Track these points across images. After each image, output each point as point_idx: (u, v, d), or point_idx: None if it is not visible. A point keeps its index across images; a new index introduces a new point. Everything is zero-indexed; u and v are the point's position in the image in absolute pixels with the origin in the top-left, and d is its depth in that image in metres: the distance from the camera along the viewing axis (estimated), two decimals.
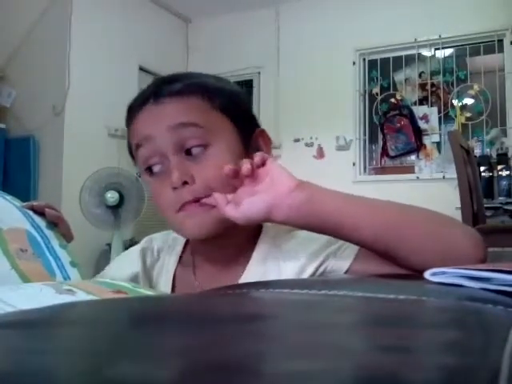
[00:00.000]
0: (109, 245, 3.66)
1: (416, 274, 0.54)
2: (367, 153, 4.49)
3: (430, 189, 3.99)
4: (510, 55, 4.03)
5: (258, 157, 0.63)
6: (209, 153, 0.69)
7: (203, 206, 0.68)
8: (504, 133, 4.00)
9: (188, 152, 0.69)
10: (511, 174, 3.66)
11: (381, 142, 4.45)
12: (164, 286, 0.78)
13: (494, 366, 0.22)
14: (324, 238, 0.68)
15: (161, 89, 0.72)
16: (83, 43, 3.95)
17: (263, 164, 0.63)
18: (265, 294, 0.44)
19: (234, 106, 0.74)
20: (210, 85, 0.74)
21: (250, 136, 0.75)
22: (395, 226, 0.61)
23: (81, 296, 0.49)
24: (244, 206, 0.62)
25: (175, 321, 0.32)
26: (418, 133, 4.26)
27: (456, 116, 4.18)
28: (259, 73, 4.74)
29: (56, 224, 0.76)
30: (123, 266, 0.83)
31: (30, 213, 0.75)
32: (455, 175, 2.42)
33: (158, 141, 0.69)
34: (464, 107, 4.22)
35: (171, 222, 0.72)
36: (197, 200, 0.68)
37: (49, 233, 0.74)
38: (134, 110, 0.73)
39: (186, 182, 0.68)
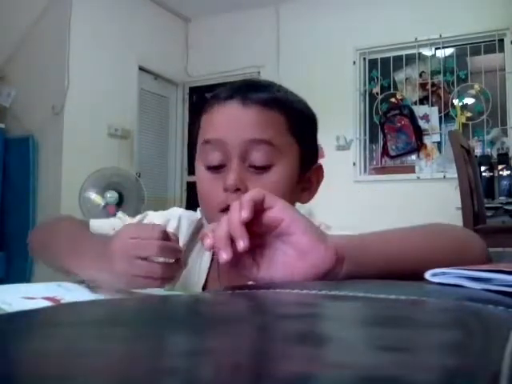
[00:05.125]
0: None
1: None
2: (367, 152, 4.49)
3: (431, 189, 4.00)
4: (510, 55, 4.04)
5: (255, 193, 0.51)
6: (270, 171, 0.72)
7: None
8: (505, 132, 4.00)
9: (251, 163, 0.72)
10: None
11: (381, 142, 4.46)
12: (196, 286, 0.80)
13: (494, 366, 0.22)
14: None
15: (249, 91, 0.74)
16: (83, 43, 3.95)
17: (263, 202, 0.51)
18: (265, 293, 0.44)
19: (307, 133, 0.77)
20: (293, 105, 0.76)
21: (308, 166, 0.78)
22: (426, 254, 0.58)
23: None
24: (267, 272, 0.52)
25: (176, 321, 0.32)
26: (419, 132, 4.26)
27: (456, 116, 4.18)
28: (259, 72, 4.74)
29: None
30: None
31: None
32: (456, 175, 2.42)
33: (229, 146, 0.71)
34: (464, 107, 4.22)
35: (210, 219, 0.75)
36: None
37: None
38: (219, 98, 0.75)
39: (238, 189, 0.70)
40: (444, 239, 0.62)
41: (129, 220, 0.86)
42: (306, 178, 0.78)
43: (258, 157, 0.71)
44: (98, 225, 0.87)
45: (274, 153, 0.72)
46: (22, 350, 0.25)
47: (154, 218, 0.87)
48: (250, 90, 0.74)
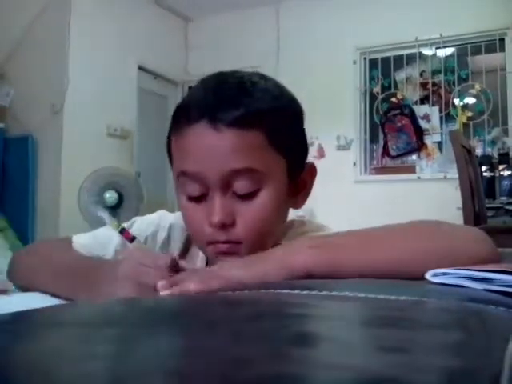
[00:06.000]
0: None
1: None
2: (368, 152, 4.49)
3: (431, 189, 3.99)
4: (511, 54, 4.03)
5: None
6: (257, 197, 0.67)
7: (232, 254, 0.67)
8: (505, 132, 4.00)
9: (235, 192, 0.67)
10: None
11: (381, 142, 4.45)
12: None
13: (495, 367, 0.22)
14: None
15: (220, 107, 0.65)
16: (82, 42, 3.94)
17: None
18: (265, 294, 0.43)
19: (292, 138, 0.70)
20: (273, 112, 0.67)
21: (299, 168, 0.72)
22: (407, 256, 0.55)
23: None
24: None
25: (174, 322, 0.32)
26: (419, 132, 4.26)
27: (457, 115, 4.18)
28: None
29: None
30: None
31: None
32: (457, 175, 2.42)
33: (207, 178, 0.65)
34: (465, 106, 4.22)
35: (198, 246, 0.72)
36: (229, 242, 0.67)
37: None
38: (186, 117, 0.67)
39: (225, 224, 0.66)
40: (433, 240, 0.58)
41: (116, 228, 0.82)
42: (298, 180, 0.73)
43: (241, 186, 0.65)
44: (84, 243, 0.82)
45: (259, 177, 0.65)
46: (18, 350, 0.25)
47: (142, 225, 0.83)
48: (221, 105, 0.65)
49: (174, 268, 0.60)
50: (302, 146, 0.74)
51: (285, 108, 0.71)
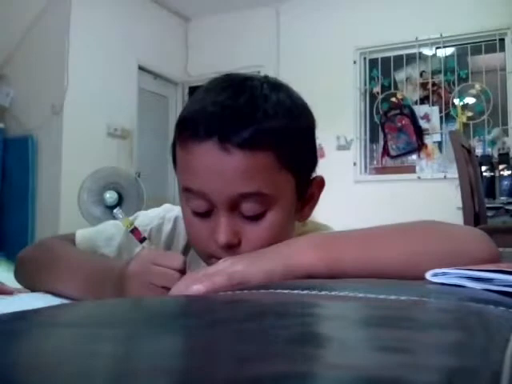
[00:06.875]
0: None
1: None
2: (368, 152, 4.49)
3: (431, 189, 3.99)
4: (511, 54, 4.04)
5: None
6: (265, 218, 0.65)
7: None
8: (505, 132, 4.00)
9: (242, 213, 0.65)
10: None
11: (382, 142, 4.46)
12: None
13: (495, 367, 0.22)
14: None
15: (229, 126, 0.61)
16: (82, 42, 3.95)
17: None
18: (265, 294, 0.43)
19: (302, 158, 0.67)
20: (284, 134, 0.63)
21: (307, 183, 0.70)
22: (409, 256, 0.55)
23: None
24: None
25: (174, 322, 0.32)
26: (419, 132, 4.26)
27: (457, 115, 4.18)
28: (259, 72, 4.73)
29: None
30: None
31: None
32: (456, 175, 2.42)
33: (213, 199, 0.63)
34: (465, 106, 4.22)
35: (201, 258, 0.70)
36: None
37: None
38: (193, 132, 0.63)
39: (231, 245, 0.64)
40: (432, 240, 0.58)
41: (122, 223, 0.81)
42: (306, 195, 0.71)
43: (248, 208, 0.63)
44: (89, 237, 0.83)
45: (267, 199, 0.63)
46: (18, 350, 0.24)
47: (146, 218, 0.83)
48: (231, 124, 0.61)
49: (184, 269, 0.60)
50: (312, 161, 0.72)
51: (297, 123, 0.67)
